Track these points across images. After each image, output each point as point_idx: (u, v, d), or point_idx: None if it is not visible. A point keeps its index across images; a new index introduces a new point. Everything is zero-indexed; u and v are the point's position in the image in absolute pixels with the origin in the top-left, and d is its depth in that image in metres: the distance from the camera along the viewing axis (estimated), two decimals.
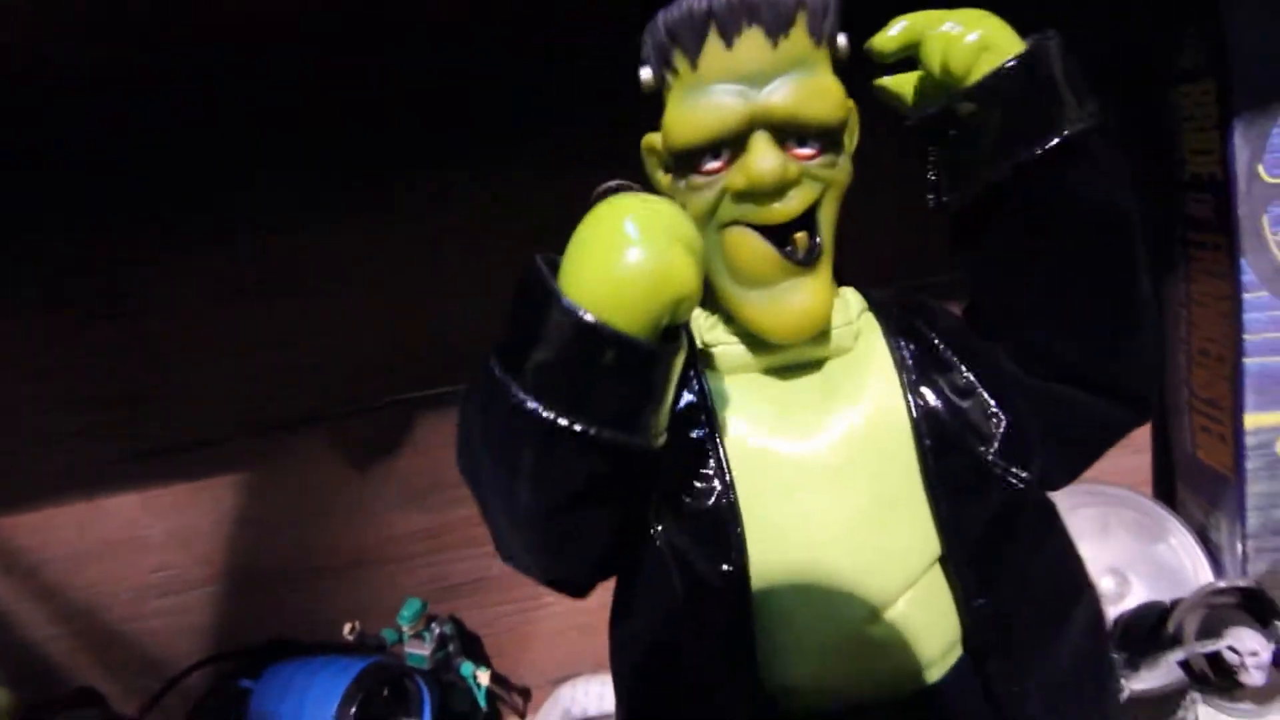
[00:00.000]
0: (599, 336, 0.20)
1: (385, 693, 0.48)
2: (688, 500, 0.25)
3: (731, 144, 0.23)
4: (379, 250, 0.54)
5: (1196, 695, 0.37)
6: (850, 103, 0.25)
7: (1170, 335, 0.50)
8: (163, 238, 0.54)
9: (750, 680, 0.25)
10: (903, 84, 0.28)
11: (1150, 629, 0.37)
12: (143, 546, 0.59)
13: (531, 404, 0.21)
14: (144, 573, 0.59)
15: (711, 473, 0.25)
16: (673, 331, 0.22)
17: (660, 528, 0.26)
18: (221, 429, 0.56)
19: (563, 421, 0.21)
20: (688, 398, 0.26)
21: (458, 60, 0.50)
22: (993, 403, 0.25)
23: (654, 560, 0.26)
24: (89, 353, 0.56)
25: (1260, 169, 0.41)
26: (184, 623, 0.60)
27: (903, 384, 0.25)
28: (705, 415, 0.26)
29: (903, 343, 0.26)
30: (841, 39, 0.24)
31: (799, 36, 0.23)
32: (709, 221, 0.24)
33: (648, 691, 0.28)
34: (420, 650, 0.52)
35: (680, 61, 0.23)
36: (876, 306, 0.28)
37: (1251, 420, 0.44)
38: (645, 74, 0.24)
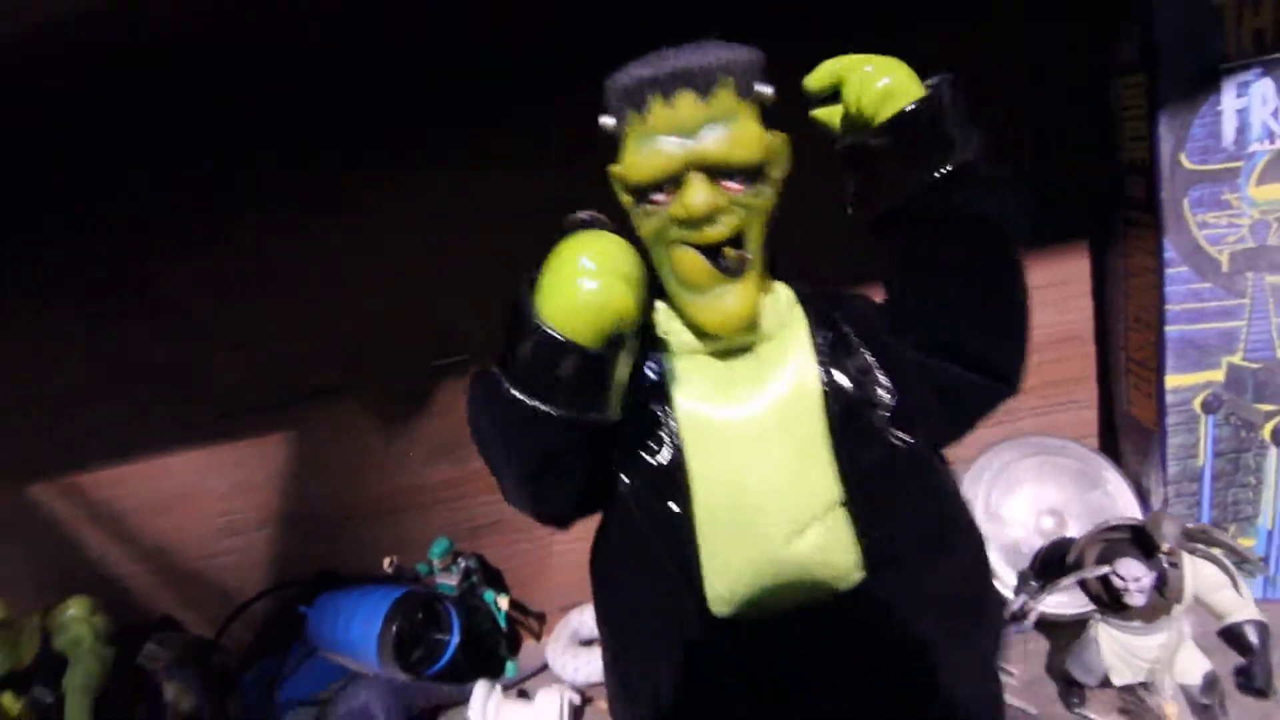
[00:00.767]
0: (561, 346, 0.28)
1: (420, 616, 0.57)
2: (646, 457, 0.32)
3: (673, 181, 0.29)
4: (402, 237, 0.60)
5: (1098, 616, 0.44)
6: (777, 139, 0.30)
7: (1114, 304, 0.55)
8: (212, 227, 0.61)
9: (698, 595, 0.32)
10: (831, 115, 0.33)
11: (1058, 559, 0.44)
12: (210, 496, 0.68)
13: (517, 394, 0.28)
14: (212, 518, 0.69)
15: (665, 435, 0.32)
16: (619, 339, 0.29)
17: (625, 478, 0.33)
18: (275, 395, 0.64)
19: (539, 407, 0.28)
20: (649, 376, 0.33)
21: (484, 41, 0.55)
22: (886, 381, 0.31)
23: (621, 504, 0.33)
24: (158, 332, 0.64)
25: (1182, 157, 0.45)
26: (247, 560, 0.69)
27: (818, 365, 0.32)
28: (661, 391, 0.32)
29: (821, 332, 0.32)
30: (767, 89, 0.29)
31: (725, 95, 0.28)
32: (659, 240, 0.31)
33: (619, 608, 0.36)
34: (449, 581, 0.61)
35: (632, 115, 0.29)
36: (804, 300, 0.34)
37: (1172, 380, 0.49)
38: (609, 122, 0.30)
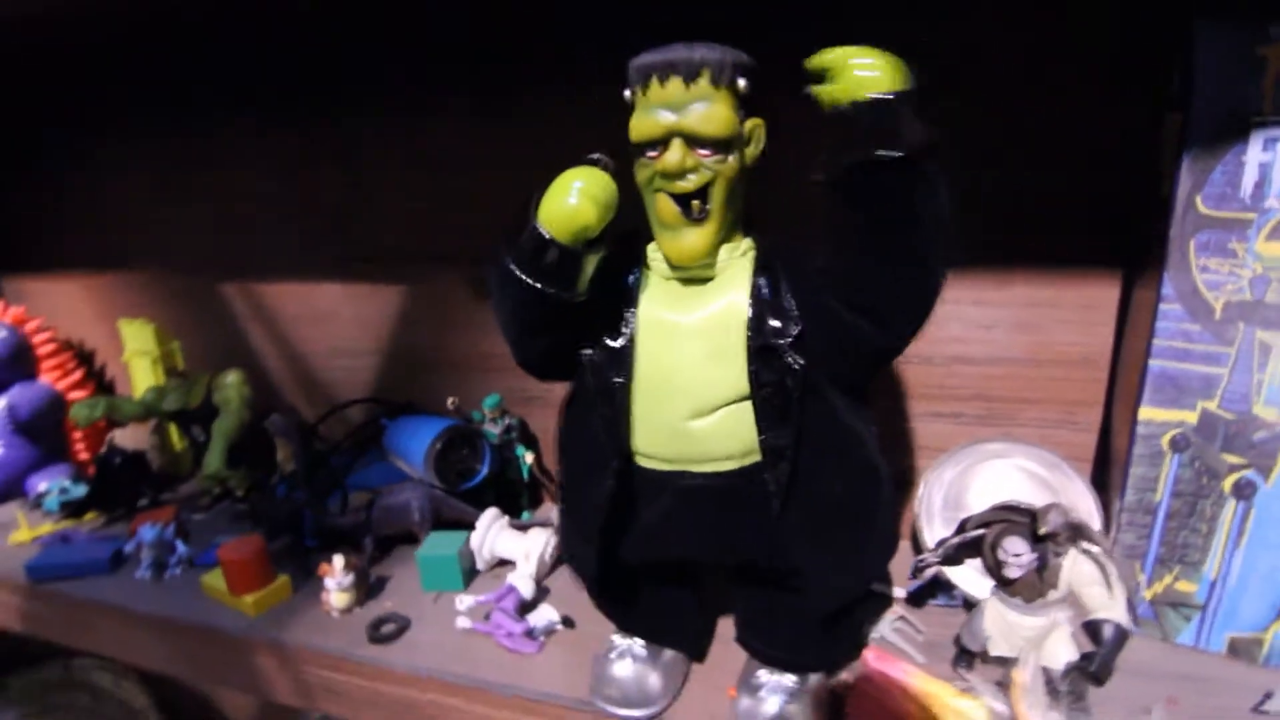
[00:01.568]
0: (545, 240, 0.38)
1: (462, 444, 0.71)
2: (608, 340, 0.43)
3: (660, 143, 0.39)
4: (517, 152, 0.72)
5: (992, 590, 0.49)
6: (751, 124, 0.39)
7: (1127, 335, 0.57)
8: (373, 105, 0.76)
9: (620, 444, 0.43)
10: (826, 91, 0.40)
11: (963, 528, 0.49)
12: (338, 320, 0.86)
13: (514, 269, 0.39)
14: (335, 339, 0.87)
15: (625, 328, 0.42)
16: (592, 243, 0.39)
17: (589, 353, 0.43)
18: (397, 252, 0.80)
19: (525, 279, 0.39)
20: (629, 284, 0.43)
21: None
22: (797, 315, 0.39)
23: (582, 371, 0.44)
24: (327, 186, 0.81)
25: (1198, 199, 0.46)
26: (353, 377, 0.87)
27: (749, 298, 0.40)
28: (633, 298, 0.43)
29: (762, 274, 0.41)
30: (742, 82, 0.38)
31: (704, 82, 0.37)
32: (647, 186, 0.40)
33: (570, 447, 0.47)
34: (493, 429, 0.75)
35: (638, 91, 0.39)
36: (762, 248, 0.42)
37: (1145, 413, 0.51)
38: (627, 93, 0.40)
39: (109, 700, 1.18)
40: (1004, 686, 0.50)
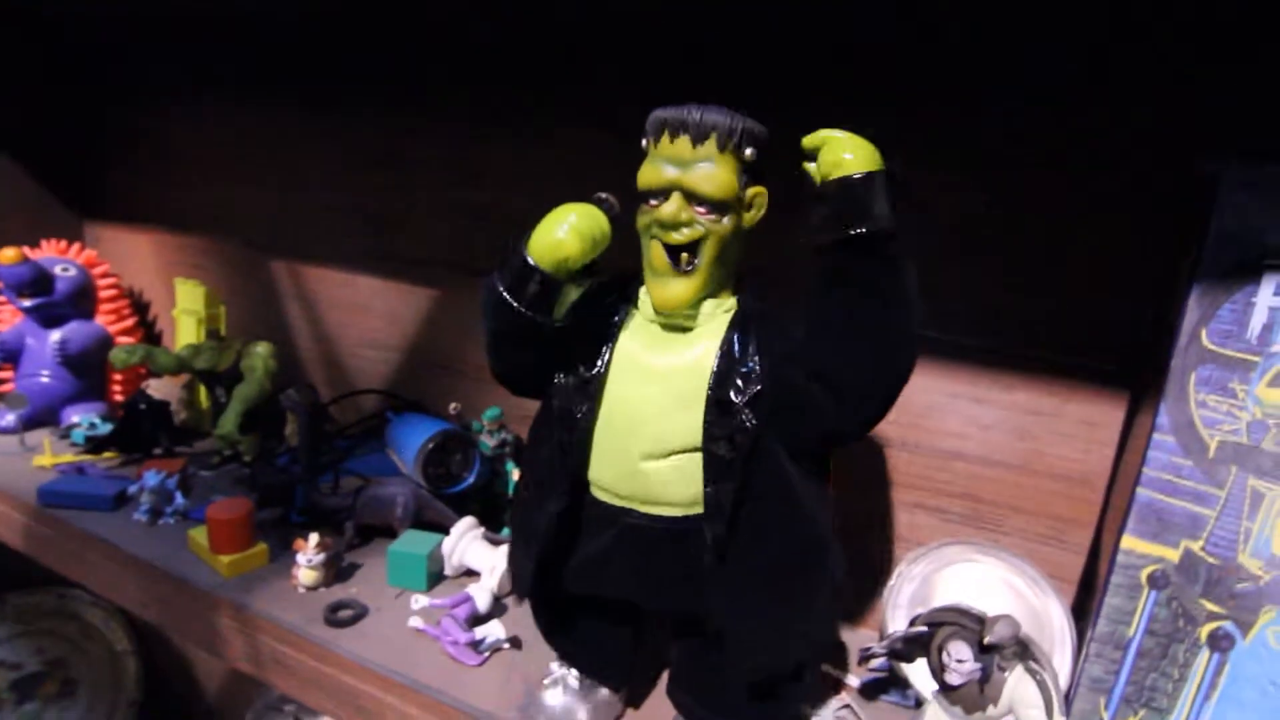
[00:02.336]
0: (528, 265, 0.41)
1: (454, 450, 0.73)
2: (581, 369, 0.44)
3: (662, 194, 0.40)
4: (551, 166, 0.76)
5: (934, 694, 0.47)
6: (752, 190, 0.40)
7: (1125, 458, 0.55)
8: (429, 121, 0.81)
9: (575, 471, 0.44)
10: (810, 169, 0.41)
11: (914, 623, 0.48)
12: (368, 312, 0.90)
13: (499, 287, 0.42)
14: (364, 329, 0.91)
15: (600, 361, 0.44)
16: (576, 276, 0.41)
17: (561, 378, 0.45)
18: (433, 260, 0.84)
19: (510, 300, 0.41)
20: (611, 321, 0.44)
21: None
22: (758, 375, 0.40)
23: (551, 395, 0.45)
24: (376, 187, 0.86)
25: (1204, 333, 0.45)
26: (375, 369, 0.91)
27: (719, 354, 0.41)
28: (615, 334, 0.44)
29: (735, 333, 0.42)
30: (749, 151, 0.39)
31: (710, 145, 0.39)
32: (645, 232, 0.42)
33: (528, 463, 0.48)
34: (489, 441, 0.76)
35: (651, 142, 0.41)
36: (744, 309, 0.43)
37: (1128, 542, 0.49)
38: (644, 142, 0.42)
39: (95, 636, 1.22)
40: None
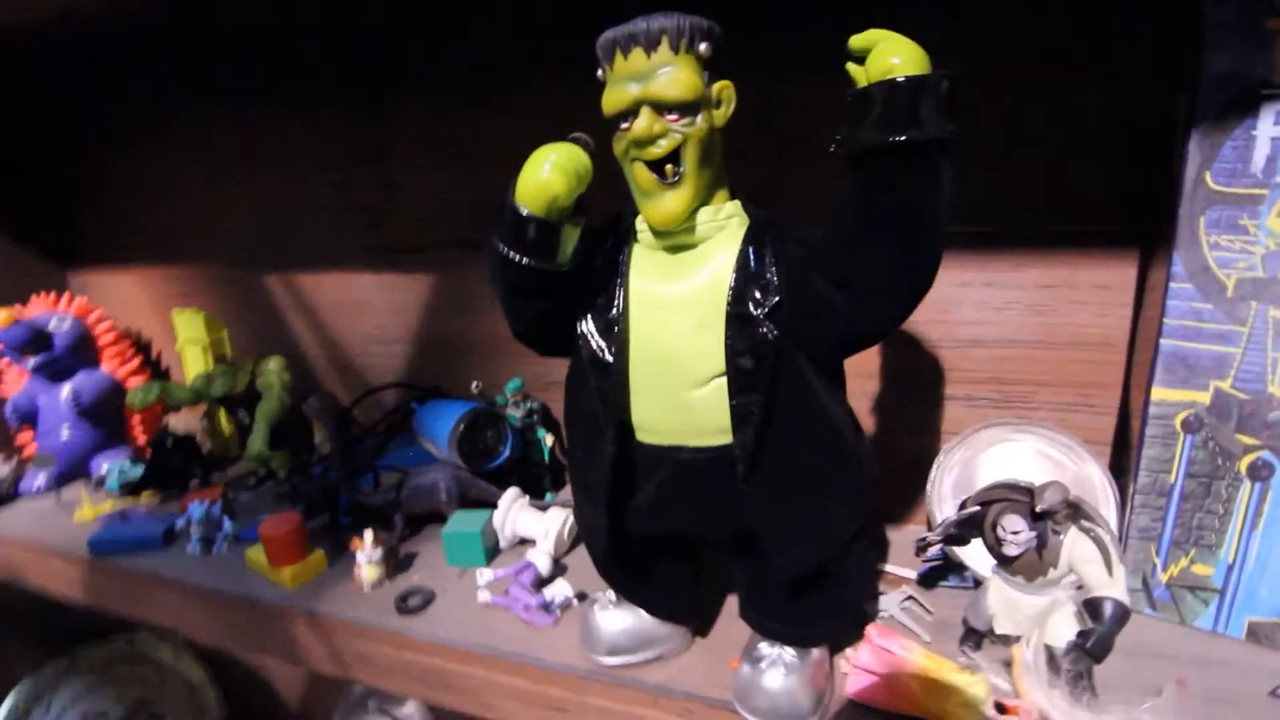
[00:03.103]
0: (522, 215, 0.40)
1: (485, 426, 0.74)
2: (601, 312, 0.44)
3: (630, 114, 0.40)
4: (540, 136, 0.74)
5: (994, 570, 0.49)
6: (718, 86, 0.40)
7: (1142, 315, 0.56)
8: (402, 98, 0.79)
9: (616, 413, 0.44)
10: (855, 70, 0.39)
11: (963, 506, 0.49)
12: (371, 309, 0.90)
13: (501, 246, 0.42)
14: (370, 327, 0.91)
15: (616, 298, 0.44)
16: (572, 214, 0.41)
17: (583, 326, 0.45)
18: (428, 243, 0.83)
19: (512, 255, 0.41)
20: (617, 258, 0.44)
21: None
22: (776, 286, 0.40)
23: (577, 345, 0.45)
24: (361, 181, 0.85)
25: (1208, 175, 0.46)
26: (387, 365, 0.91)
27: (735, 267, 0.41)
28: (624, 268, 0.44)
29: (751, 244, 0.42)
30: (703, 46, 0.38)
31: (664, 50, 0.38)
32: (624, 157, 0.41)
33: (572, 420, 0.49)
34: (515, 413, 0.77)
35: (606, 67, 0.40)
36: (754, 217, 0.43)
37: (1158, 394, 0.50)
38: (599, 73, 0.41)
39: (170, 674, 1.26)
40: (1008, 664, 0.50)
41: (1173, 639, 0.52)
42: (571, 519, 0.69)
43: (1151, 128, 0.53)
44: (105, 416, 0.97)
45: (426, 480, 0.74)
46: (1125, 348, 0.59)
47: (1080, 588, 0.46)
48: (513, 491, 0.71)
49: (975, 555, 0.57)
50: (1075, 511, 0.45)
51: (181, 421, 0.99)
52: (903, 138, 0.36)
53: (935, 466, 0.62)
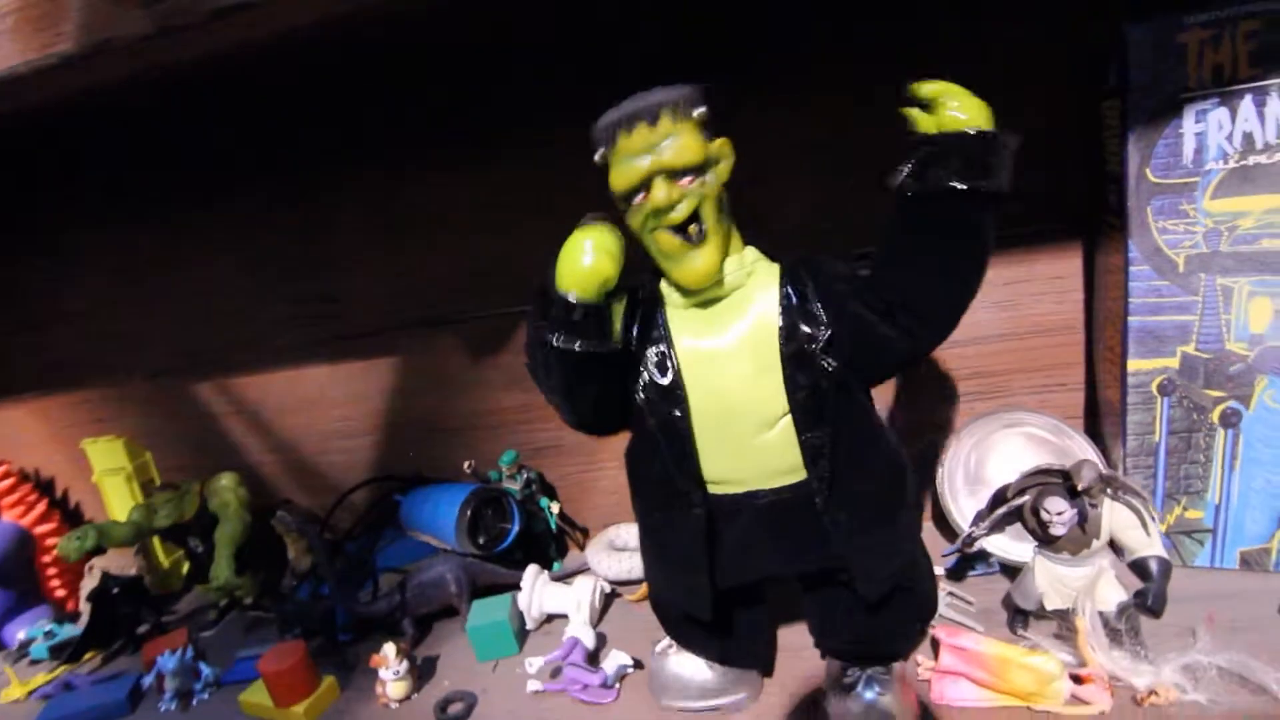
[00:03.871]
0: (571, 303, 0.40)
1: (490, 506, 0.71)
2: (657, 379, 0.44)
3: (643, 187, 0.41)
4: (497, 200, 0.73)
5: (1037, 550, 0.53)
6: (717, 144, 0.41)
7: (1098, 298, 0.63)
8: (351, 184, 0.76)
9: (694, 472, 0.44)
10: (914, 115, 0.41)
11: (1001, 496, 0.53)
12: (329, 403, 0.84)
13: (550, 336, 0.41)
14: (329, 421, 0.85)
15: (668, 363, 0.44)
16: (609, 294, 0.41)
17: (641, 395, 0.45)
18: (386, 324, 0.79)
19: (564, 344, 0.41)
20: (655, 325, 0.45)
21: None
22: (826, 319, 0.42)
23: (639, 414, 0.45)
24: (301, 267, 0.80)
25: (1148, 171, 0.53)
26: (355, 459, 0.85)
27: (779, 309, 0.43)
28: (665, 333, 0.44)
29: (790, 286, 0.43)
30: (699, 110, 0.40)
31: (666, 121, 0.40)
32: (643, 229, 0.42)
33: (641, 488, 0.48)
34: (513, 486, 0.74)
35: (607, 148, 0.41)
36: (784, 262, 0.44)
37: (1133, 365, 0.57)
38: (597, 156, 0.42)
39: None
40: (1062, 637, 0.54)
41: (1180, 581, 0.57)
42: (601, 585, 0.67)
43: (1081, 134, 0.59)
44: (14, 574, 0.84)
45: (432, 575, 0.69)
46: (1083, 328, 0.66)
47: (1119, 552, 0.51)
48: (533, 568, 0.68)
49: (998, 542, 0.61)
50: (1108, 483, 0.49)
51: (110, 563, 0.87)
52: (978, 185, 0.39)
53: (942, 464, 0.66)
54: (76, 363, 0.90)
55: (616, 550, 0.73)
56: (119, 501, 0.86)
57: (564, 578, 0.74)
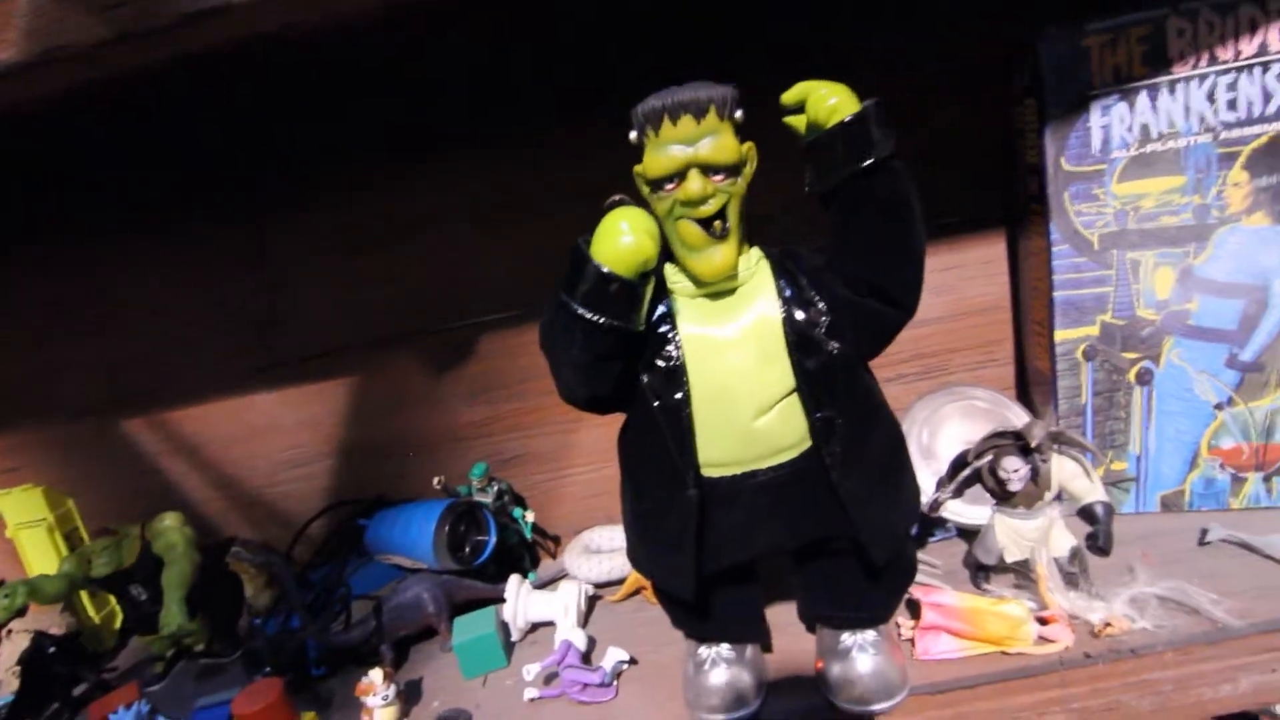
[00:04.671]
0: (608, 276, 0.41)
1: (465, 520, 0.70)
2: (660, 363, 0.46)
3: (678, 176, 0.43)
4: (449, 212, 0.73)
5: (995, 508, 0.58)
6: (747, 146, 0.44)
7: (1024, 277, 0.69)
8: (297, 200, 0.74)
9: (692, 457, 0.46)
10: (797, 121, 0.46)
11: (962, 464, 0.58)
12: (279, 430, 0.80)
13: (579, 310, 0.42)
14: (279, 450, 0.81)
15: (673, 349, 0.46)
16: (646, 275, 0.43)
17: (644, 378, 0.46)
18: (338, 343, 0.77)
19: (592, 318, 0.42)
20: (662, 311, 0.46)
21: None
22: (824, 307, 0.45)
23: (640, 396, 0.46)
24: (241, 289, 0.76)
25: (1063, 160, 0.59)
26: (310, 487, 0.82)
27: (778, 300, 0.45)
28: (671, 319, 0.46)
29: (781, 277, 0.46)
30: (739, 112, 0.43)
31: (712, 117, 0.42)
32: (669, 216, 0.44)
33: (635, 472, 0.49)
34: (485, 499, 0.73)
35: (650, 132, 0.43)
36: (770, 255, 0.47)
37: (1060, 335, 0.63)
38: (633, 136, 0.44)
39: None
40: (1021, 586, 0.59)
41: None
42: (584, 588, 0.68)
43: (999, 132, 0.66)
44: None
45: (408, 597, 0.68)
46: (1011, 306, 0.72)
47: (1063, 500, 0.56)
48: (515, 578, 0.67)
49: (954, 506, 0.66)
50: (1055, 438, 0.54)
51: (31, 624, 0.80)
52: (870, 162, 0.43)
53: None
54: None
55: (593, 553, 0.74)
56: (39, 555, 0.79)
57: (543, 586, 0.74)
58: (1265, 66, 0.54)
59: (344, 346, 0.77)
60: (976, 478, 0.57)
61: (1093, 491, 0.54)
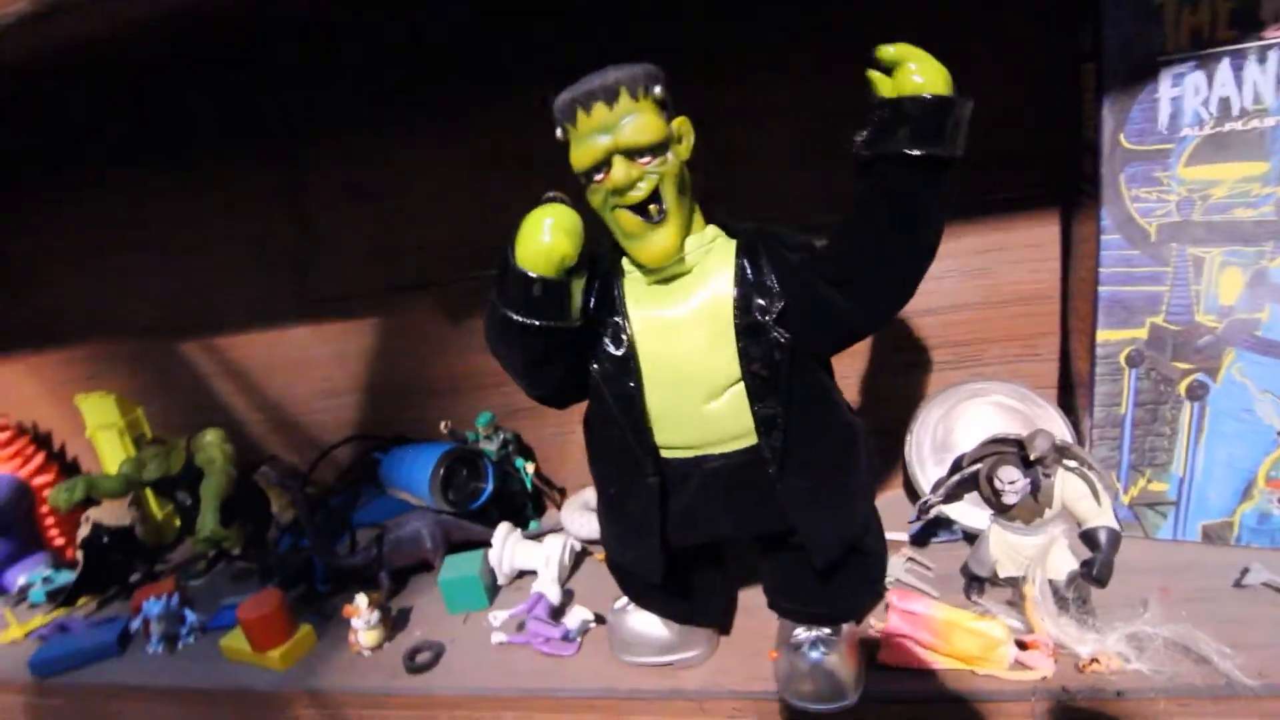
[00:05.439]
0: (530, 278, 0.40)
1: (464, 465, 0.72)
2: (611, 348, 0.44)
3: (603, 165, 0.41)
4: (479, 162, 0.73)
5: (993, 518, 0.53)
6: (677, 122, 0.41)
7: (1072, 267, 0.62)
8: (329, 146, 0.76)
9: (648, 441, 0.45)
10: (877, 78, 0.41)
11: (958, 466, 0.53)
12: (313, 363, 0.85)
13: (509, 313, 0.41)
14: (314, 381, 0.86)
15: (623, 335, 0.44)
16: (571, 271, 0.41)
17: (595, 367, 0.45)
18: (367, 287, 0.80)
19: (522, 320, 0.41)
20: (612, 297, 0.45)
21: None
22: (780, 292, 0.42)
23: (595, 385, 0.46)
24: (280, 233, 0.80)
25: (1122, 137, 0.51)
26: (338, 418, 0.87)
27: (733, 283, 0.43)
28: (619, 305, 0.45)
29: (745, 258, 0.43)
30: (658, 89, 0.40)
31: (625, 100, 0.39)
32: (604, 207, 0.42)
33: (598, 455, 0.49)
34: (490, 447, 0.75)
35: (569, 126, 0.41)
36: (739, 234, 0.44)
37: (1102, 335, 0.56)
38: (559, 134, 0.42)
39: None
40: (1014, 604, 0.54)
41: (1141, 553, 0.58)
42: (571, 543, 0.69)
43: (1059, 98, 0.58)
44: (13, 522, 0.87)
45: (408, 530, 0.71)
46: (1059, 298, 0.65)
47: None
48: (504, 526, 0.69)
49: (961, 510, 0.61)
50: (1062, 453, 0.49)
51: (104, 514, 0.90)
52: (930, 151, 0.38)
53: (910, 432, 0.66)
54: (67, 321, 0.92)
55: (589, 510, 0.74)
56: (112, 455, 0.89)
57: (538, 536, 0.76)
58: None
59: (373, 289, 0.79)
60: (972, 484, 0.53)
61: (1099, 515, 0.49)
